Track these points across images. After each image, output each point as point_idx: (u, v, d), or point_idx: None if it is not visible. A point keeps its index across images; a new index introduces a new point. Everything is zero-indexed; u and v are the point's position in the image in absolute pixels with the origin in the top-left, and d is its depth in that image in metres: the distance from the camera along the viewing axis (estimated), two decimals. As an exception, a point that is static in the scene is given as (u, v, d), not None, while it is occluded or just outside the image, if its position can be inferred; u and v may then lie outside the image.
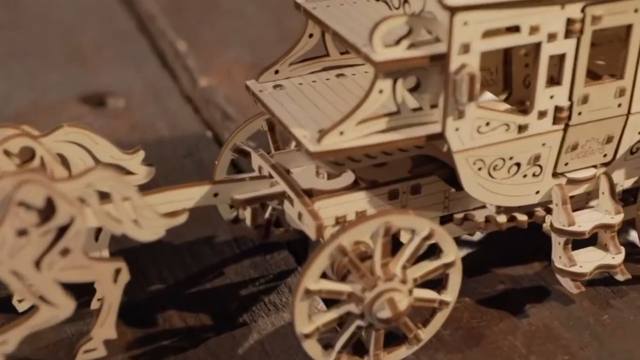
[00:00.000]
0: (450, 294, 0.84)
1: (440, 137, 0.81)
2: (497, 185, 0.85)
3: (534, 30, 0.79)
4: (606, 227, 0.90)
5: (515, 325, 0.90)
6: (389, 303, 0.79)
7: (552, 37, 0.80)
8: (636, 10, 0.83)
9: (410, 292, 0.81)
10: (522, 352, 0.87)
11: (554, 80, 0.84)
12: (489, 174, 0.84)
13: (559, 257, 0.89)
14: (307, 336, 0.80)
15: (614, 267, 0.90)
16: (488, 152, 0.83)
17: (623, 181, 0.93)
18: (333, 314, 0.81)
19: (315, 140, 0.79)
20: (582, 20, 0.81)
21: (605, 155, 0.89)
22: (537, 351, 0.87)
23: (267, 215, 1.00)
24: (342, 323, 0.82)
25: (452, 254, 0.82)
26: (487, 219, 0.90)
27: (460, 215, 0.90)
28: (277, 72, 0.91)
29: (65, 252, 0.75)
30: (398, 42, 0.77)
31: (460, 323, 0.91)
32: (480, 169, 0.84)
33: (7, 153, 0.82)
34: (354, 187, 0.86)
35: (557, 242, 0.89)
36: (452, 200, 0.90)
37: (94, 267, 0.78)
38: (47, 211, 0.74)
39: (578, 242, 0.89)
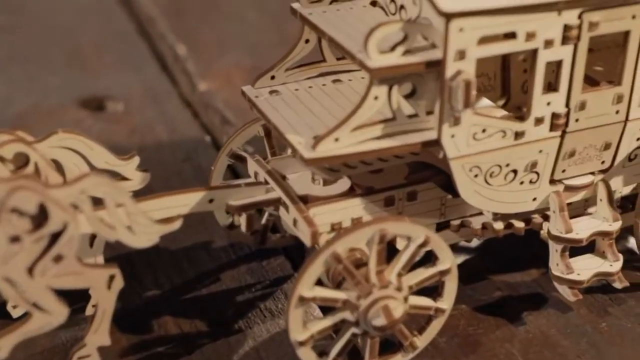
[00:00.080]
0: (446, 302, 0.84)
1: (436, 143, 0.80)
2: (493, 192, 0.85)
3: (530, 36, 0.79)
4: (604, 234, 0.89)
5: (512, 333, 0.90)
6: (384, 311, 0.79)
7: (548, 43, 0.80)
8: (634, 17, 0.82)
9: (406, 299, 0.81)
10: (518, 360, 0.87)
11: (552, 86, 0.83)
12: (486, 181, 0.84)
13: (556, 264, 0.89)
14: (301, 344, 0.79)
15: (611, 275, 0.90)
16: (484, 159, 0.82)
17: (621, 188, 0.93)
18: (328, 322, 0.80)
19: (310, 146, 0.79)
20: (579, 27, 0.80)
21: (603, 162, 0.89)
22: (534, 359, 0.87)
23: (263, 220, 0.99)
24: (338, 330, 0.82)
25: (448, 261, 0.82)
26: (484, 226, 0.89)
27: (456, 222, 0.90)
28: (273, 77, 0.91)
29: (58, 258, 0.75)
30: (393, 48, 0.76)
31: (457, 330, 0.90)
32: (476, 175, 0.83)
33: (1, 159, 0.82)
34: (349, 193, 0.85)
35: (554, 249, 0.88)
36: (448, 206, 0.89)
37: (87, 274, 0.78)
38: (40, 218, 0.73)
39: (576, 249, 0.89)
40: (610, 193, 0.89)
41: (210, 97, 1.36)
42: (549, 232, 0.88)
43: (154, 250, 0.92)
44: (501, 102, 1.00)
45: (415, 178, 0.88)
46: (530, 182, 0.86)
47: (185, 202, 0.84)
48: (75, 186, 0.76)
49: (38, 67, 1.47)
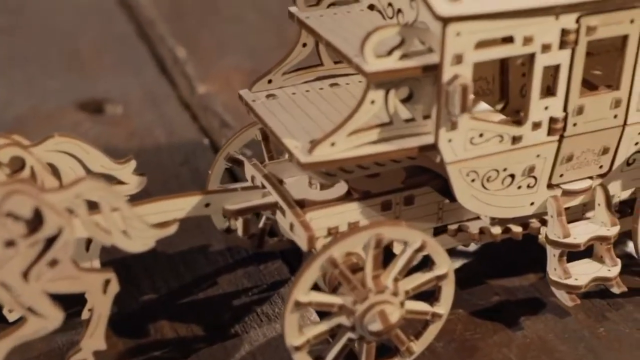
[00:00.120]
0: (443, 307, 0.83)
1: (433, 148, 0.80)
2: (491, 196, 0.85)
3: (527, 41, 0.79)
4: (602, 239, 0.89)
5: (509, 338, 0.90)
6: (380, 316, 0.78)
7: (546, 47, 0.80)
8: (632, 21, 0.82)
9: (402, 304, 0.80)
10: (516, 365, 0.87)
11: (550, 90, 0.83)
12: (483, 186, 0.84)
13: (554, 269, 0.88)
14: (297, 348, 0.79)
15: (609, 280, 0.89)
16: (481, 163, 0.82)
17: (619, 192, 0.92)
18: (324, 326, 0.80)
19: (306, 150, 0.79)
20: (577, 31, 0.80)
21: (601, 167, 0.89)
22: (532, 364, 0.87)
23: (261, 224, 0.99)
24: (334, 335, 0.81)
25: (445, 266, 0.82)
26: (482, 231, 0.89)
27: (454, 227, 0.90)
28: (270, 81, 0.91)
29: (53, 263, 0.75)
30: (390, 52, 0.76)
31: (454, 335, 0.90)
32: (473, 180, 0.83)
33: (-3, 163, 0.82)
34: (346, 197, 0.85)
35: (552, 254, 0.88)
36: (446, 211, 0.89)
37: (83, 278, 0.78)
38: (35, 222, 0.73)
39: (574, 254, 0.89)
40: (608, 197, 0.89)
41: (209, 100, 1.36)
42: (546, 236, 0.88)
43: (151, 254, 0.92)
44: (500, 106, 1.00)
45: (412, 182, 0.87)
46: (528, 186, 0.86)
47: (181, 206, 0.84)
48: (71, 190, 0.75)
49: (37, 69, 1.47)
